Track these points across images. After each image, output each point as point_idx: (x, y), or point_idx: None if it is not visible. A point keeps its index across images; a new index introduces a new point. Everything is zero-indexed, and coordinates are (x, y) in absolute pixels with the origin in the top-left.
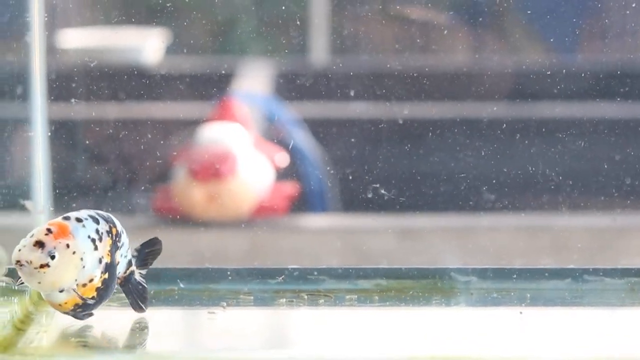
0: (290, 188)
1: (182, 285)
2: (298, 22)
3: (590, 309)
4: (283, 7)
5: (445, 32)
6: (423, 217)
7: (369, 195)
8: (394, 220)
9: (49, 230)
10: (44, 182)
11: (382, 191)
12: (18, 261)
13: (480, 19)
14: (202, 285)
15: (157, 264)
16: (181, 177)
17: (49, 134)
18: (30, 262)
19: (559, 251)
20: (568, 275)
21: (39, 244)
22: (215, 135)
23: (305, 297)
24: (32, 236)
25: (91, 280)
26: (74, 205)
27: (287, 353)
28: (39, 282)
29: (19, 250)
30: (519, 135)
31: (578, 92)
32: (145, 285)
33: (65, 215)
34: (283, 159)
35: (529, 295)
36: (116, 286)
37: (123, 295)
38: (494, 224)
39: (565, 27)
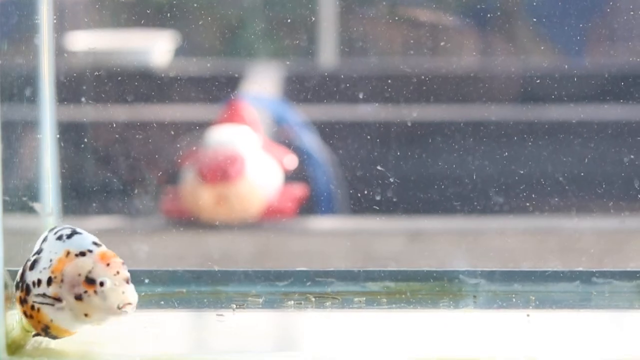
0: (299, 190)
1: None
2: (306, 25)
3: (599, 311)
4: (291, 10)
5: (453, 34)
6: (431, 219)
7: (377, 198)
8: (402, 223)
9: (123, 262)
10: (52, 184)
11: (390, 179)
12: (129, 304)
13: (488, 22)
14: (211, 288)
15: (166, 265)
16: (190, 179)
17: (58, 136)
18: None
19: (567, 254)
20: (576, 277)
21: (128, 280)
22: (224, 137)
23: (313, 299)
24: (118, 273)
25: None
26: (84, 207)
27: (295, 355)
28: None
29: (123, 292)
30: (527, 138)
31: (586, 94)
32: None
33: (75, 232)
34: (291, 161)
35: (536, 298)
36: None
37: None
38: (502, 227)
39: (573, 30)
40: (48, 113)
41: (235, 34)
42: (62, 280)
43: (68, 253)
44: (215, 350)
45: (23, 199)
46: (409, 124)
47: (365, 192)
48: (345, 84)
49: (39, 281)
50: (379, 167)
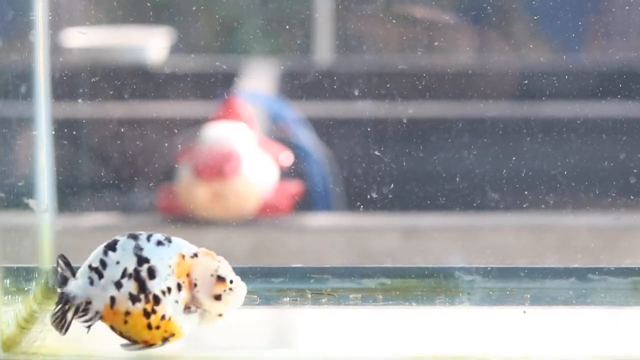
0: (295, 187)
1: None
2: (302, 22)
3: (594, 308)
4: (287, 7)
5: (450, 31)
6: (427, 216)
7: (373, 194)
8: (398, 220)
9: None
10: (48, 181)
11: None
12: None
13: (485, 19)
14: None
15: None
16: (185, 176)
17: (53, 132)
18: None
19: (563, 250)
20: (572, 274)
21: None
22: (220, 134)
23: (309, 296)
24: (231, 269)
25: None
26: (79, 204)
27: (291, 352)
28: None
29: (244, 286)
30: (523, 135)
31: (582, 91)
32: None
33: (167, 236)
34: (287, 158)
35: (532, 295)
36: None
37: None
38: (498, 223)
39: (569, 26)
40: (43, 110)
41: (231, 31)
42: (194, 285)
43: (183, 257)
44: (211, 346)
45: (18, 196)
46: (405, 121)
47: (361, 189)
48: (341, 81)
49: (169, 289)
50: (376, 153)
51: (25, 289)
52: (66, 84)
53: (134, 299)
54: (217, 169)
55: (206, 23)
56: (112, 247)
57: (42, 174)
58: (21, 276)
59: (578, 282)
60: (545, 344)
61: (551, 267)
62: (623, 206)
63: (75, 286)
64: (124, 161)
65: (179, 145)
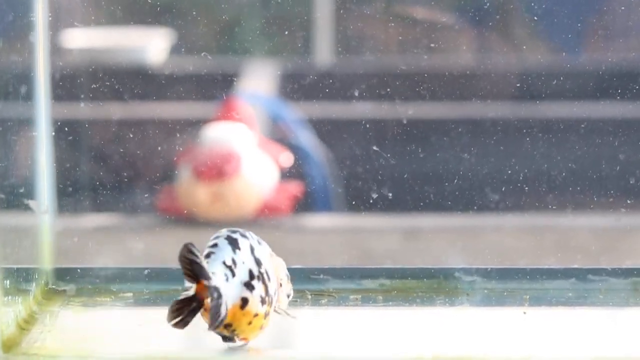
0: (295, 188)
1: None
2: (302, 23)
3: (594, 309)
4: (287, 7)
5: (450, 32)
6: (427, 217)
7: (373, 195)
8: (398, 220)
9: None
10: (47, 182)
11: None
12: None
13: (485, 19)
14: None
15: (161, 263)
16: (185, 177)
17: (53, 133)
18: None
19: (563, 251)
20: (572, 275)
21: None
22: (220, 135)
23: (309, 296)
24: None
25: None
26: (79, 205)
27: (291, 353)
28: None
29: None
30: (523, 135)
31: (583, 92)
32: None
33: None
34: (287, 159)
35: (532, 296)
36: None
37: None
38: (498, 224)
39: (569, 27)
40: (43, 111)
41: (231, 31)
42: (280, 284)
43: (271, 255)
44: (211, 348)
45: (18, 197)
46: (405, 122)
47: (361, 189)
48: (341, 82)
49: (275, 290)
50: (374, 148)
51: (25, 289)
52: (66, 85)
53: (262, 301)
54: (217, 170)
55: (206, 24)
56: (237, 245)
57: (42, 175)
58: (21, 277)
59: (578, 283)
60: (545, 344)
61: (551, 268)
62: (623, 207)
63: (220, 282)
64: (124, 162)
65: (179, 146)
